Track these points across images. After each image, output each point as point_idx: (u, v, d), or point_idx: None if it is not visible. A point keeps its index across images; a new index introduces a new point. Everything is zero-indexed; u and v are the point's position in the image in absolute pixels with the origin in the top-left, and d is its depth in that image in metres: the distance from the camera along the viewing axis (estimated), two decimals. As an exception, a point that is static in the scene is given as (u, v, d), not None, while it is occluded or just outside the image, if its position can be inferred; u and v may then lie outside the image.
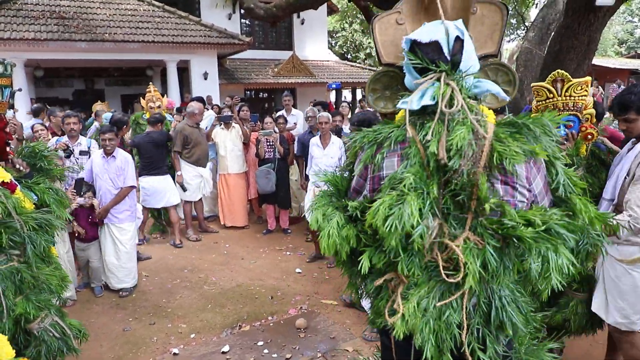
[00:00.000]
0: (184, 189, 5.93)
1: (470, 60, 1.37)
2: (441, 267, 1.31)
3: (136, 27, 11.19)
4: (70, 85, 15.05)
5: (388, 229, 1.22)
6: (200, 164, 6.04)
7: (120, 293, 4.42)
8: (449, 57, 1.34)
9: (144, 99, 6.41)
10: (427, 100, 1.31)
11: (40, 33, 9.93)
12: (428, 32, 1.36)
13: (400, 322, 1.33)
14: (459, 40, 1.34)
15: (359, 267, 1.40)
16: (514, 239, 1.27)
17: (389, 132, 1.41)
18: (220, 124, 6.41)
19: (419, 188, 1.27)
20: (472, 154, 1.25)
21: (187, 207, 6.22)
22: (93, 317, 4.00)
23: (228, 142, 6.36)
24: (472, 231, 1.31)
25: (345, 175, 1.68)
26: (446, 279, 1.31)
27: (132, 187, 4.53)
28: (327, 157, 4.96)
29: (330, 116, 5.16)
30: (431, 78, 1.33)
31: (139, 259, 4.98)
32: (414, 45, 1.37)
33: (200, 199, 6.38)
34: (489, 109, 1.44)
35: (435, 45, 1.33)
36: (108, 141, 4.39)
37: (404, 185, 1.27)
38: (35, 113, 6.73)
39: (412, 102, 1.33)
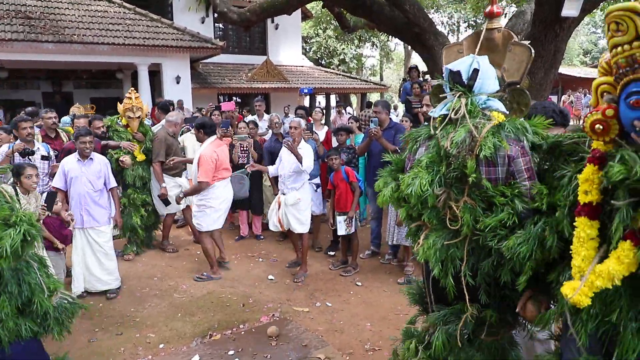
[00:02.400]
0: (167, 203, 5.52)
1: (484, 85, 1.94)
2: (447, 219, 1.92)
3: (106, 29, 10.95)
4: (37, 87, 14.61)
5: (409, 192, 1.90)
6: (177, 174, 5.75)
7: (107, 295, 4.41)
8: (465, 82, 1.93)
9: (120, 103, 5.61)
10: (444, 111, 1.93)
11: (5, 33, 9.60)
12: (457, 63, 1.96)
13: (421, 252, 2.01)
14: (475, 71, 1.92)
15: (401, 217, 2.18)
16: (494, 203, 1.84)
17: (424, 131, 2.07)
18: (190, 129, 6.30)
19: (431, 167, 1.91)
20: (465, 145, 1.81)
21: (168, 219, 5.92)
22: (57, 328, 3.86)
23: (198, 146, 6.24)
24: (469, 197, 1.88)
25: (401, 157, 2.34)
26: (449, 226, 1.93)
27: (116, 187, 4.65)
28: (289, 162, 4.81)
29: (301, 121, 5.07)
30: (452, 94, 1.94)
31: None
32: (449, 72, 1.97)
33: (189, 207, 6.01)
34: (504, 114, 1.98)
35: (458, 73, 1.94)
36: (88, 144, 4.36)
37: (420, 165, 1.94)
38: (31, 115, 6.39)
39: (435, 111, 1.97)
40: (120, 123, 5.51)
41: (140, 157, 5.45)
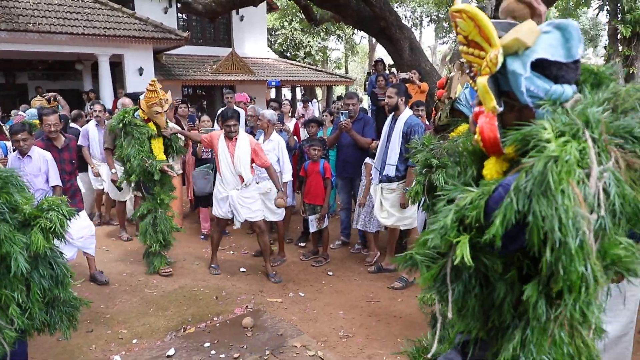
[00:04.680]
0: (120, 189, 5.62)
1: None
2: None
3: (64, 17, 10.55)
4: (-12, 78, 13.94)
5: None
6: None
7: None
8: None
9: (86, 95, 5.29)
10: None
11: (-47, 21, 9.11)
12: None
13: None
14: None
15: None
16: None
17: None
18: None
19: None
20: None
21: (120, 206, 6.00)
22: (23, 327, 3.75)
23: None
24: None
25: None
26: None
27: (58, 186, 4.21)
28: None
29: (265, 113, 5.13)
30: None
31: (96, 280, 4.62)
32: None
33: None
34: None
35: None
36: (22, 142, 3.99)
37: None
38: None
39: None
40: (138, 116, 4.74)
41: (161, 156, 4.83)
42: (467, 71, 1.40)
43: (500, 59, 1.21)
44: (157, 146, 4.80)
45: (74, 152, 4.69)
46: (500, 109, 1.26)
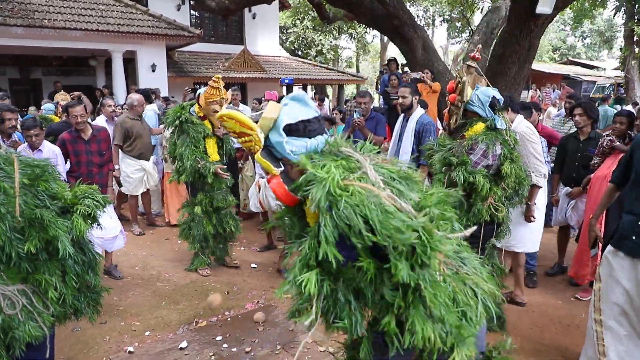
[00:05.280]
0: (120, 185, 5.74)
1: None
2: None
3: (78, 13, 10.66)
4: (2, 73, 14.10)
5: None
6: (142, 157, 5.84)
7: None
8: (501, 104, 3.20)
9: (99, 91, 5.37)
10: (502, 124, 3.18)
11: (-29, 16, 9.25)
12: (491, 92, 3.11)
13: None
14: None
15: None
16: None
17: (499, 136, 3.12)
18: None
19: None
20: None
21: (132, 200, 6.06)
22: (38, 317, 3.81)
23: None
24: None
25: None
26: None
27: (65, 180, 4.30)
28: None
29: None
30: (499, 114, 3.17)
31: (110, 274, 4.65)
32: (494, 98, 3.11)
33: (148, 191, 6.21)
34: None
35: (498, 99, 3.16)
36: (34, 137, 4.11)
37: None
38: None
39: (500, 124, 3.12)
40: (194, 112, 4.46)
41: (215, 157, 4.56)
42: (251, 151, 1.73)
43: (261, 136, 1.59)
44: (211, 145, 4.54)
45: (103, 143, 4.61)
46: (280, 169, 1.62)
